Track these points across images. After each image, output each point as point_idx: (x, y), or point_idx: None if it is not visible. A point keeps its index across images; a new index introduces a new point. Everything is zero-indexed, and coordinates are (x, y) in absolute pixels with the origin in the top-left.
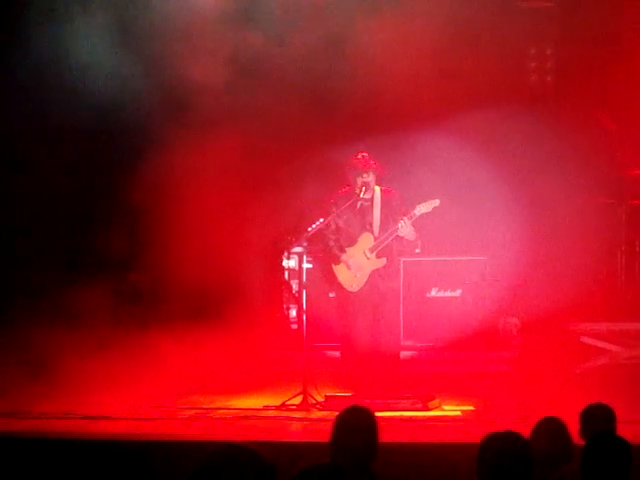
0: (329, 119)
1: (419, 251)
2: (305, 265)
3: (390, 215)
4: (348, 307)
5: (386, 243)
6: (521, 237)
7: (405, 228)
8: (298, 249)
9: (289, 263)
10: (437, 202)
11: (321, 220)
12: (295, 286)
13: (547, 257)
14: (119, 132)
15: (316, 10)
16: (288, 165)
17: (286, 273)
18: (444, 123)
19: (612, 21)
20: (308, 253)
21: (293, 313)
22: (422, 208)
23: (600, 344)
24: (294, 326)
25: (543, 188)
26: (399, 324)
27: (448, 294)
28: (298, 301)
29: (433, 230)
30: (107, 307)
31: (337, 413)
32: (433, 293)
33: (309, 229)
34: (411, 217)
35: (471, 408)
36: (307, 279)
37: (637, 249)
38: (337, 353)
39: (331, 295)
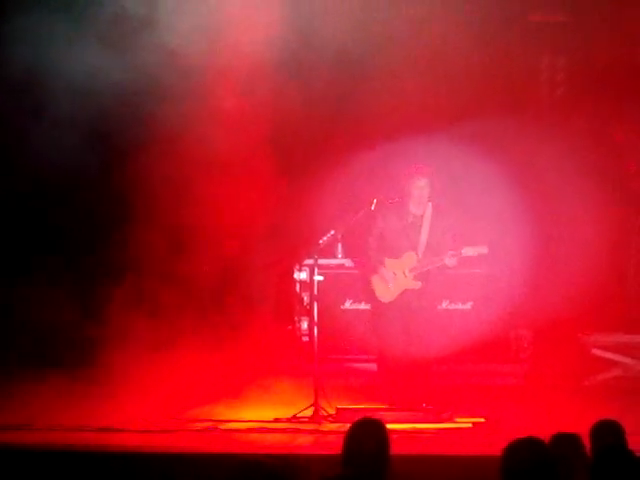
0: (349, 128)
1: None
2: (316, 277)
3: (438, 237)
4: (380, 318)
5: (427, 269)
6: (534, 248)
7: (450, 262)
8: (309, 261)
9: (300, 275)
10: (485, 250)
11: (332, 232)
12: (306, 298)
13: (559, 268)
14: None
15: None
16: (301, 176)
17: (297, 285)
18: (455, 132)
19: (624, 36)
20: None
21: (304, 325)
22: (469, 251)
23: (612, 356)
24: (305, 338)
25: (556, 199)
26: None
27: (459, 307)
28: (309, 313)
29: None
30: (119, 316)
31: (348, 425)
32: (444, 305)
33: (320, 241)
34: (456, 255)
35: (482, 420)
36: (318, 291)
37: None
38: (349, 364)
39: (342, 307)
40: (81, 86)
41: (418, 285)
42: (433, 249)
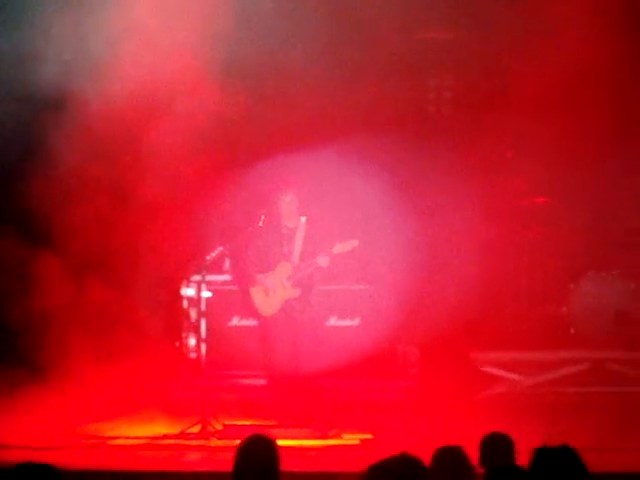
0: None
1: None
2: (204, 294)
3: (311, 246)
4: (266, 334)
5: (303, 274)
6: (421, 265)
7: (323, 262)
8: (197, 277)
9: (188, 291)
10: (355, 243)
11: (220, 248)
12: (194, 315)
13: (448, 285)
14: None
15: None
16: (189, 192)
17: (185, 301)
18: (340, 149)
19: (505, 52)
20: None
21: (192, 342)
22: (340, 247)
23: (499, 372)
24: (193, 355)
25: (445, 216)
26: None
27: (347, 323)
28: (197, 329)
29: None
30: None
31: (236, 442)
32: (332, 322)
33: (208, 257)
34: (328, 254)
35: (370, 437)
36: (205, 307)
37: (536, 277)
38: (238, 381)
39: (230, 324)
40: None
41: (297, 292)
42: (307, 257)
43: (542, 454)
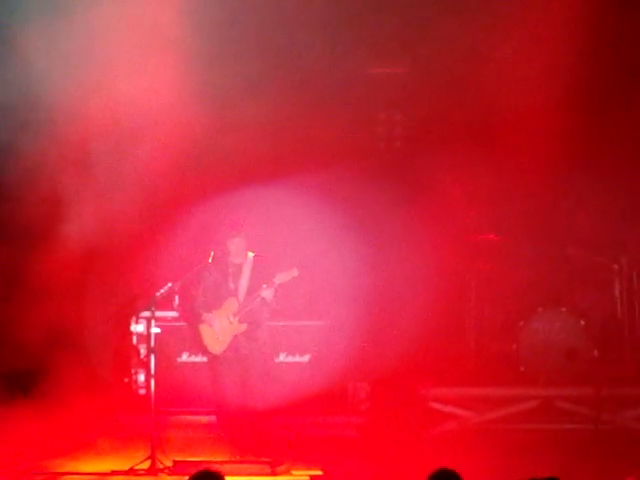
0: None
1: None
2: (153, 330)
3: (257, 282)
4: (215, 369)
5: (248, 308)
6: (370, 301)
7: (267, 294)
8: (146, 313)
9: (137, 327)
10: (295, 272)
11: (169, 284)
12: (143, 350)
13: (396, 321)
14: None
15: None
16: (140, 227)
17: (134, 337)
18: (290, 184)
19: (456, 87)
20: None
21: (141, 378)
22: (281, 277)
23: (449, 409)
24: (142, 391)
25: (392, 251)
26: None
27: (296, 359)
28: (146, 365)
29: (282, 294)
30: None
31: (186, 478)
32: (282, 358)
33: (158, 293)
34: (270, 285)
35: (319, 473)
36: (155, 343)
37: (485, 314)
38: (185, 417)
39: (179, 360)
40: None
41: (244, 327)
42: (254, 292)
43: None
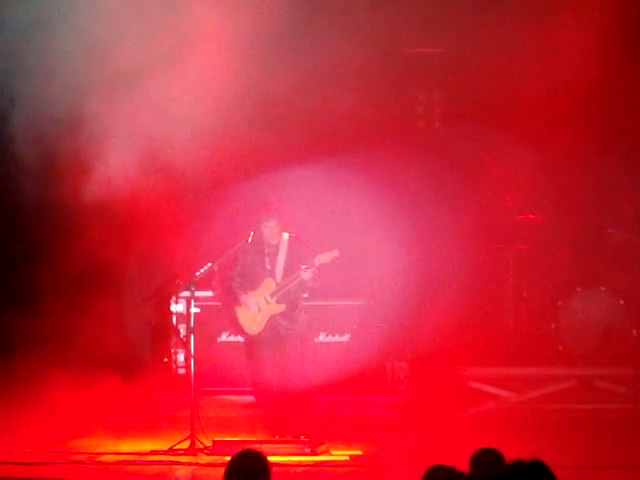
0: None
1: (307, 296)
2: (193, 309)
3: (294, 262)
4: (253, 350)
5: (287, 289)
6: (410, 281)
7: (306, 275)
8: (186, 293)
9: (177, 307)
10: (336, 253)
11: (209, 264)
12: (183, 330)
13: (435, 301)
14: None
15: None
16: (180, 208)
17: (174, 317)
18: (330, 164)
19: (495, 67)
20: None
21: (181, 358)
22: (322, 258)
23: (488, 389)
24: (182, 371)
25: (433, 233)
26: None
27: (336, 339)
28: (186, 345)
29: (322, 274)
30: None
31: (225, 458)
32: (321, 338)
33: (197, 273)
34: (311, 267)
35: (359, 453)
36: (195, 323)
37: (524, 294)
38: (225, 397)
39: (219, 340)
40: None
41: (282, 307)
42: (291, 272)
43: (514, 469)
